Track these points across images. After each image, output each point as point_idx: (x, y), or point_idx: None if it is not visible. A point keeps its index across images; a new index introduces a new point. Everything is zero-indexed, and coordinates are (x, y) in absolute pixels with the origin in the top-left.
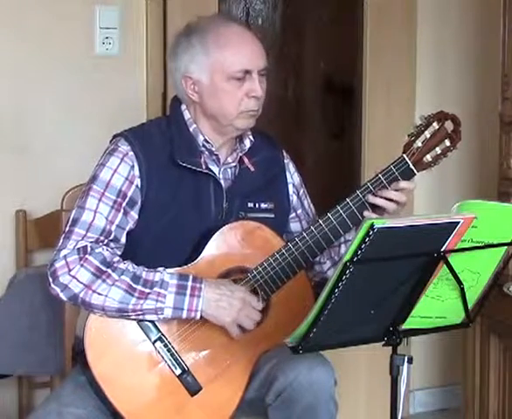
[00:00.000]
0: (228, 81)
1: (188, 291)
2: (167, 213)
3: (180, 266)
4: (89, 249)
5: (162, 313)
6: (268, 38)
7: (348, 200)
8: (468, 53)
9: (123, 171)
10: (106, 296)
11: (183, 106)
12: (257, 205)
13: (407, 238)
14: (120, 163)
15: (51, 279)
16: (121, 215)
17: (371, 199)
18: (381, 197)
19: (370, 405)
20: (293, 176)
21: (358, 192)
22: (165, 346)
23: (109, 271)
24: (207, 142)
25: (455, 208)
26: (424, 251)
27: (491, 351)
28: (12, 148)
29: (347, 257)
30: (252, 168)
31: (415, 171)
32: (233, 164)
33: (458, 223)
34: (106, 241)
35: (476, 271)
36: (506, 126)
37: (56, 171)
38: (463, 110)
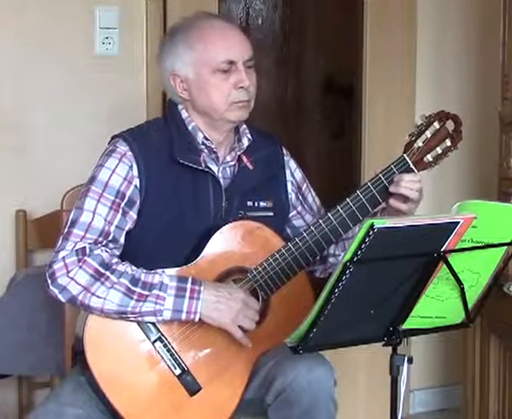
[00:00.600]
0: (214, 74)
1: (187, 294)
2: (166, 213)
3: (180, 266)
4: (88, 250)
5: (161, 315)
6: (268, 38)
7: (348, 200)
8: (468, 53)
9: (122, 171)
10: (104, 299)
11: (180, 106)
12: (256, 204)
13: (407, 238)
14: (118, 164)
15: (49, 281)
16: (119, 215)
17: (393, 189)
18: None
19: (370, 405)
20: (294, 174)
21: (358, 192)
22: (165, 346)
23: (108, 273)
24: (206, 140)
25: (455, 208)
26: (424, 251)
27: (491, 351)
28: (12, 148)
29: (347, 257)
30: (251, 167)
31: (415, 171)
32: (232, 163)
33: (458, 223)
34: (104, 242)
35: (476, 271)
36: (506, 126)
37: (56, 171)
38: (463, 110)
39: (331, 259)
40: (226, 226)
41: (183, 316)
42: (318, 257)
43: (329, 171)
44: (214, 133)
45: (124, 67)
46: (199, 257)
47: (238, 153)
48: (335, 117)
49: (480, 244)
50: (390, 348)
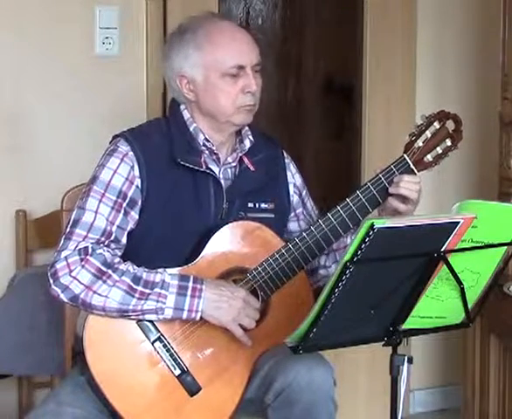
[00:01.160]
0: (223, 78)
1: (189, 292)
2: (167, 213)
3: (180, 266)
4: (90, 250)
5: (162, 314)
6: (268, 38)
7: (348, 200)
8: (468, 53)
9: (123, 171)
10: (106, 297)
11: (182, 107)
12: (257, 205)
13: (407, 238)
14: (120, 164)
15: (51, 280)
16: (121, 215)
17: (393, 190)
18: (402, 187)
19: (370, 405)
20: (294, 176)
21: (358, 192)
22: (164, 346)
23: (110, 271)
24: (207, 141)
25: (455, 208)
26: (424, 251)
27: (491, 351)
28: (12, 148)
29: (347, 257)
30: (253, 168)
31: (416, 171)
32: (233, 164)
33: (458, 223)
34: (106, 242)
35: (476, 271)
36: (506, 126)
37: (56, 171)
38: (463, 110)
39: (321, 271)
40: (226, 226)
41: (185, 314)
42: (315, 260)
43: (329, 171)
44: (217, 135)
45: (124, 67)
46: (199, 258)
47: (240, 154)
48: (335, 117)
49: (480, 244)
50: (390, 348)
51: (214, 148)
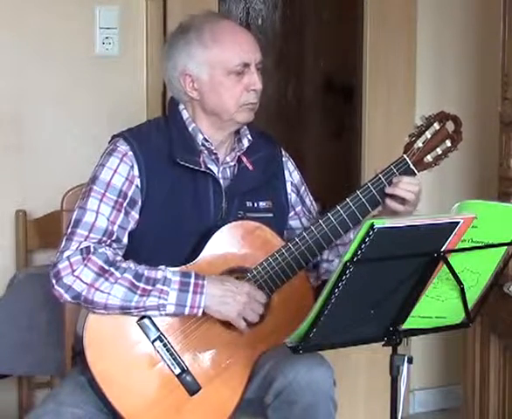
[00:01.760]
0: (228, 76)
1: (191, 288)
2: (166, 213)
3: (180, 266)
4: (92, 249)
5: (164, 310)
6: (268, 38)
7: (348, 200)
8: (468, 53)
9: (123, 171)
10: (108, 294)
11: (181, 106)
12: (255, 204)
13: (407, 238)
14: (119, 163)
15: (54, 281)
16: (122, 215)
17: (390, 190)
18: (400, 188)
19: (370, 405)
20: (292, 174)
21: (358, 192)
22: (164, 345)
23: (112, 269)
24: (206, 141)
25: (455, 208)
26: (424, 251)
27: (491, 351)
28: (12, 148)
29: (347, 257)
30: (251, 167)
31: (415, 171)
32: (232, 163)
33: (458, 223)
34: (108, 241)
35: (476, 271)
36: (506, 126)
37: (56, 171)
38: (463, 110)
39: (325, 265)
40: (226, 226)
41: (187, 310)
42: (315, 260)
43: (329, 171)
44: (217, 134)
45: (124, 67)
46: (199, 257)
47: (238, 153)
48: (335, 117)
49: (480, 244)
50: (390, 348)
51: (213, 148)
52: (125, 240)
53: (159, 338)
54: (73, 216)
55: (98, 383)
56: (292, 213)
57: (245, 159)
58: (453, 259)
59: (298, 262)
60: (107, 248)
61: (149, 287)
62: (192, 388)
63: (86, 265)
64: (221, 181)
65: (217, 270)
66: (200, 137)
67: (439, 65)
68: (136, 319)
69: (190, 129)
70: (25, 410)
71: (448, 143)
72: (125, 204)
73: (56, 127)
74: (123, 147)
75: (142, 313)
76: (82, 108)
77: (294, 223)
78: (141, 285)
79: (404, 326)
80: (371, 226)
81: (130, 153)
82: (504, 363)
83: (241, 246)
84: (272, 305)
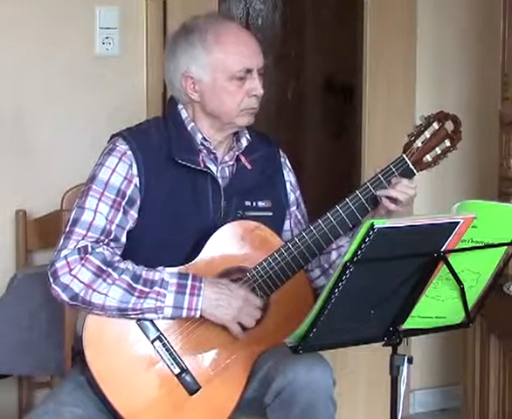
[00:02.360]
0: (230, 81)
1: (188, 290)
2: (165, 212)
3: (179, 266)
4: (90, 248)
5: (161, 312)
6: (268, 38)
7: (347, 200)
8: (468, 53)
9: (122, 170)
10: (106, 295)
11: (180, 106)
12: (254, 204)
13: (407, 238)
14: (118, 162)
15: (51, 279)
16: (120, 214)
17: (384, 192)
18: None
19: (370, 405)
20: (289, 174)
21: (358, 192)
22: (164, 345)
23: (110, 270)
24: (205, 140)
25: (455, 208)
26: (424, 251)
27: (491, 351)
28: (12, 148)
29: (347, 257)
30: (249, 167)
31: (415, 171)
32: (231, 163)
33: (458, 223)
34: (106, 241)
35: (476, 271)
36: (506, 126)
37: (56, 171)
38: (463, 110)
39: (317, 270)
40: (225, 226)
41: (184, 313)
42: (314, 260)
43: (329, 171)
44: (216, 135)
45: (124, 67)
46: (198, 257)
47: (237, 153)
48: (335, 117)
49: (480, 244)
50: (390, 348)
51: (212, 148)
52: (123, 239)
53: (158, 338)
54: (72, 215)
55: (97, 383)
56: (286, 212)
57: (243, 158)
58: (453, 259)
59: (297, 262)
60: (105, 247)
61: (147, 289)
62: (192, 388)
63: (83, 265)
64: (220, 180)
65: (216, 269)
66: (199, 136)
67: (439, 65)
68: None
69: (188, 128)
70: (25, 410)
71: (447, 143)
72: (123, 203)
73: (56, 126)
74: (122, 146)
75: (140, 316)
76: (82, 108)
77: (285, 223)
78: (139, 286)
79: (404, 326)
80: (371, 226)
81: (129, 152)
82: (504, 363)
83: (240, 246)
84: (271, 305)
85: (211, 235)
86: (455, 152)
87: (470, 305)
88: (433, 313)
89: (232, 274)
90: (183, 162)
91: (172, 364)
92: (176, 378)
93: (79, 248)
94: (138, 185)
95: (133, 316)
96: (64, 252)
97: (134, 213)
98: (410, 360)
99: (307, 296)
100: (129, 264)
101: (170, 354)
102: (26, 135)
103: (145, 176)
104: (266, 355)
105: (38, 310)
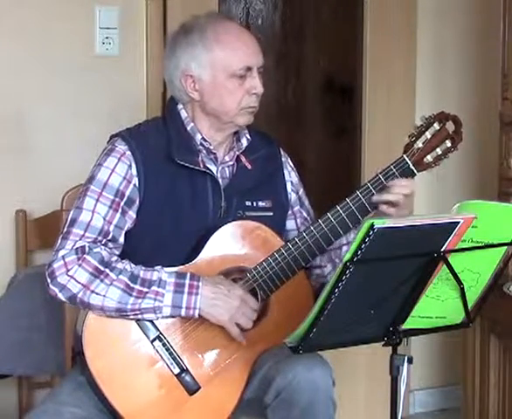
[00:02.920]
0: (230, 79)
1: (186, 289)
2: (165, 212)
3: (179, 266)
4: (87, 249)
5: (160, 312)
6: (268, 38)
7: (348, 200)
8: (468, 53)
9: (121, 171)
10: (104, 296)
11: (180, 106)
12: (255, 204)
13: (407, 238)
14: (117, 163)
15: (49, 280)
16: (119, 214)
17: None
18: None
19: (370, 405)
20: (290, 174)
21: (358, 192)
22: (164, 345)
23: (107, 270)
24: (205, 141)
25: (455, 208)
26: (424, 251)
27: (491, 351)
28: (12, 148)
29: (347, 257)
30: (250, 167)
31: (415, 171)
32: (231, 163)
33: (458, 223)
34: (104, 241)
35: (476, 271)
36: (506, 126)
37: (56, 171)
38: (463, 110)
39: (317, 271)
40: (225, 226)
41: (183, 312)
42: (314, 260)
43: (329, 171)
44: (216, 134)
45: (124, 67)
46: (198, 257)
47: (237, 153)
48: (335, 117)
49: (480, 244)
50: (390, 348)
51: (211, 148)
52: (121, 240)
53: (158, 337)
54: (70, 216)
55: (97, 382)
56: (289, 212)
57: (243, 158)
58: (453, 259)
59: (298, 262)
60: (103, 247)
61: (145, 289)
62: (191, 388)
63: (80, 265)
64: (220, 180)
65: (216, 269)
66: (198, 137)
67: (438, 65)
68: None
69: (188, 129)
70: (25, 410)
71: (448, 143)
72: (122, 204)
73: (56, 126)
74: (121, 146)
75: (139, 316)
76: (82, 108)
77: (288, 223)
78: (137, 286)
79: (404, 326)
80: (371, 226)
81: (128, 152)
82: (504, 363)
83: (241, 246)
84: (271, 305)
85: (211, 235)
86: (455, 152)
87: (470, 305)
88: (433, 313)
89: (233, 274)
90: (183, 163)
91: (172, 364)
92: (175, 378)
93: (76, 248)
94: (137, 185)
95: (132, 316)
96: (61, 252)
97: (132, 213)
98: (410, 360)
99: (307, 296)
100: (127, 264)
101: (170, 354)
102: (26, 135)
103: (144, 177)
104: (266, 355)
105: (37, 310)
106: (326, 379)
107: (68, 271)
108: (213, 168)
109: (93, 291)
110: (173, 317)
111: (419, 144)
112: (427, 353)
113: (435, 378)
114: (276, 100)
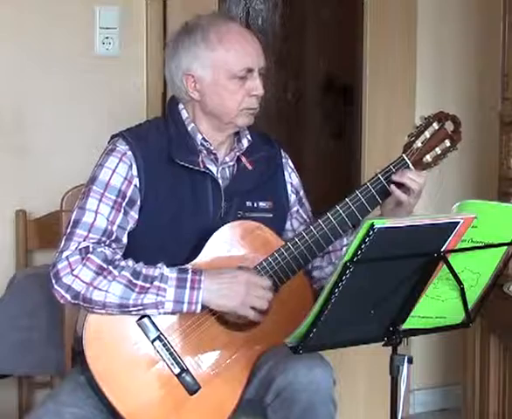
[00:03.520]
0: (231, 80)
1: (188, 284)
2: (165, 213)
3: (179, 266)
4: (91, 248)
5: (162, 308)
6: (268, 38)
7: (347, 200)
8: (468, 53)
9: (122, 171)
10: (106, 291)
11: (181, 106)
12: (255, 204)
13: (407, 238)
14: (118, 163)
15: (54, 281)
16: (121, 215)
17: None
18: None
19: (370, 405)
20: (291, 175)
21: (358, 192)
22: (164, 345)
23: (110, 268)
24: (205, 141)
25: (455, 208)
26: (424, 251)
27: (491, 351)
28: (12, 148)
29: (347, 257)
30: (250, 167)
31: (415, 171)
32: (231, 163)
33: (458, 223)
34: (107, 241)
35: (476, 271)
36: (506, 126)
37: (56, 171)
38: (463, 110)
39: (316, 272)
40: (225, 226)
41: (185, 307)
42: (314, 261)
43: (329, 171)
44: (217, 135)
45: (124, 67)
46: (198, 258)
47: (238, 153)
48: (335, 117)
49: (480, 244)
50: (390, 348)
51: (212, 148)
52: (124, 240)
53: (158, 337)
54: (73, 216)
55: (97, 382)
56: (289, 213)
57: (244, 159)
58: (453, 259)
59: (298, 262)
60: (107, 248)
61: (147, 285)
62: (192, 388)
63: (84, 265)
64: (220, 181)
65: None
66: (199, 137)
67: (438, 65)
68: (136, 318)
69: (188, 129)
70: (25, 410)
71: (447, 143)
72: (124, 204)
73: (56, 127)
74: (122, 146)
75: (141, 312)
76: (82, 108)
77: (288, 223)
78: (139, 282)
79: (404, 326)
80: (371, 226)
81: (129, 152)
82: (504, 363)
83: (241, 246)
84: (271, 305)
85: (211, 236)
86: (455, 152)
87: (470, 305)
88: (433, 313)
89: None
90: (183, 163)
91: (172, 364)
92: (176, 378)
93: (80, 249)
94: (138, 186)
95: (134, 312)
96: (65, 253)
97: (134, 214)
98: (410, 360)
99: (307, 296)
100: (130, 262)
101: (170, 354)
102: (26, 135)
103: (145, 177)
104: (267, 355)
105: (37, 310)
106: (326, 379)
107: (73, 270)
108: (213, 168)
109: (95, 288)
110: (175, 313)
111: (419, 144)
112: (427, 353)
113: (435, 378)
114: (276, 100)
